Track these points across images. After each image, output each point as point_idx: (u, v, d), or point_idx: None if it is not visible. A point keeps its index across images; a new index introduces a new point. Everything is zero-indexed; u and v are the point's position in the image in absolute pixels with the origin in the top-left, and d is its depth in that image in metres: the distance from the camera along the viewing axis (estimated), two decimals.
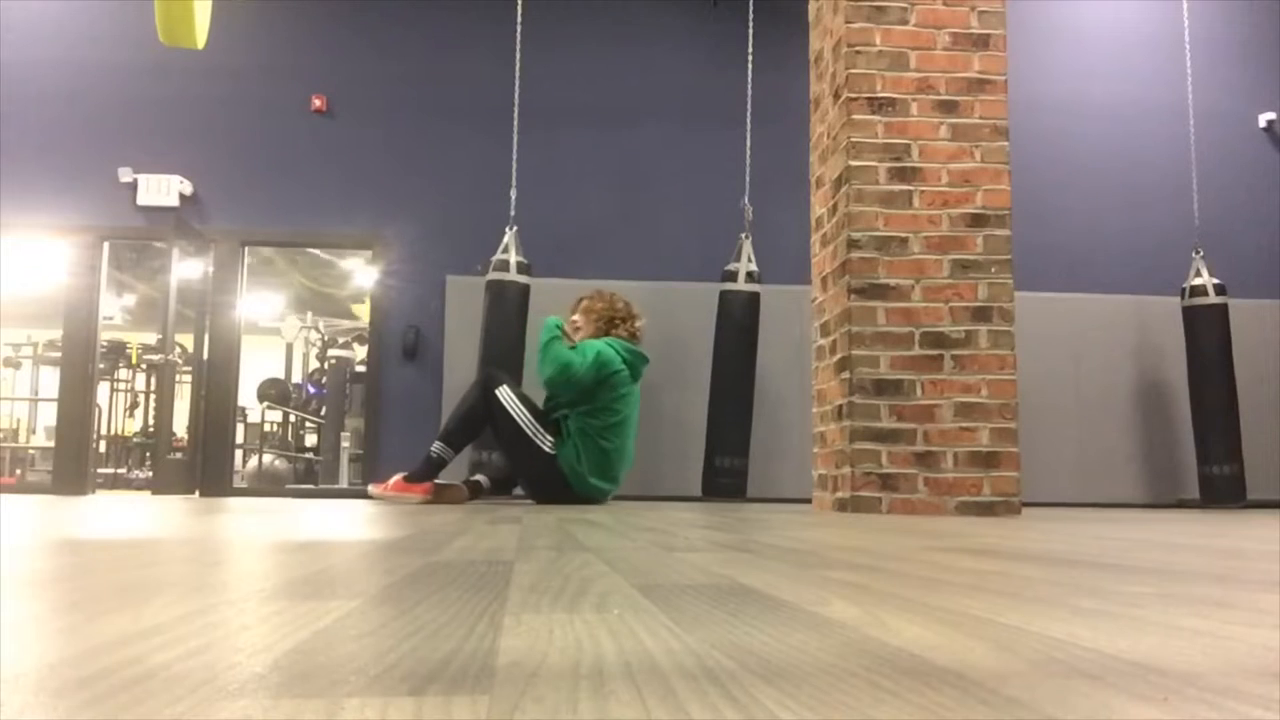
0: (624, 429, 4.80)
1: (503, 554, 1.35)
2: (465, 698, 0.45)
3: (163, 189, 7.08)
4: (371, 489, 4.79)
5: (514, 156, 6.13)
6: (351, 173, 7.23)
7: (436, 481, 4.73)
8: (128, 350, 11.11)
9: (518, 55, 6.19)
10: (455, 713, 0.43)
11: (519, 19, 6.19)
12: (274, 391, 10.55)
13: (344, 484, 8.39)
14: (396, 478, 4.74)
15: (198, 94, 7.16)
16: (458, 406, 4.89)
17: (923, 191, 3.83)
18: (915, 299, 3.77)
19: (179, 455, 7.59)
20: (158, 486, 7.21)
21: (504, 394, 4.75)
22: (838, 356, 3.88)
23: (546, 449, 4.69)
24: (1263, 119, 7.75)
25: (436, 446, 4.77)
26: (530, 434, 4.70)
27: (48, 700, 0.45)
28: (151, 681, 0.48)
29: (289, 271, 11.65)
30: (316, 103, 7.25)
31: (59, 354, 7.93)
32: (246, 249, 7.38)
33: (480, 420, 4.78)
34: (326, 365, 10.27)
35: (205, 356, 7.22)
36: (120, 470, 10.17)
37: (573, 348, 4.77)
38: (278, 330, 12.01)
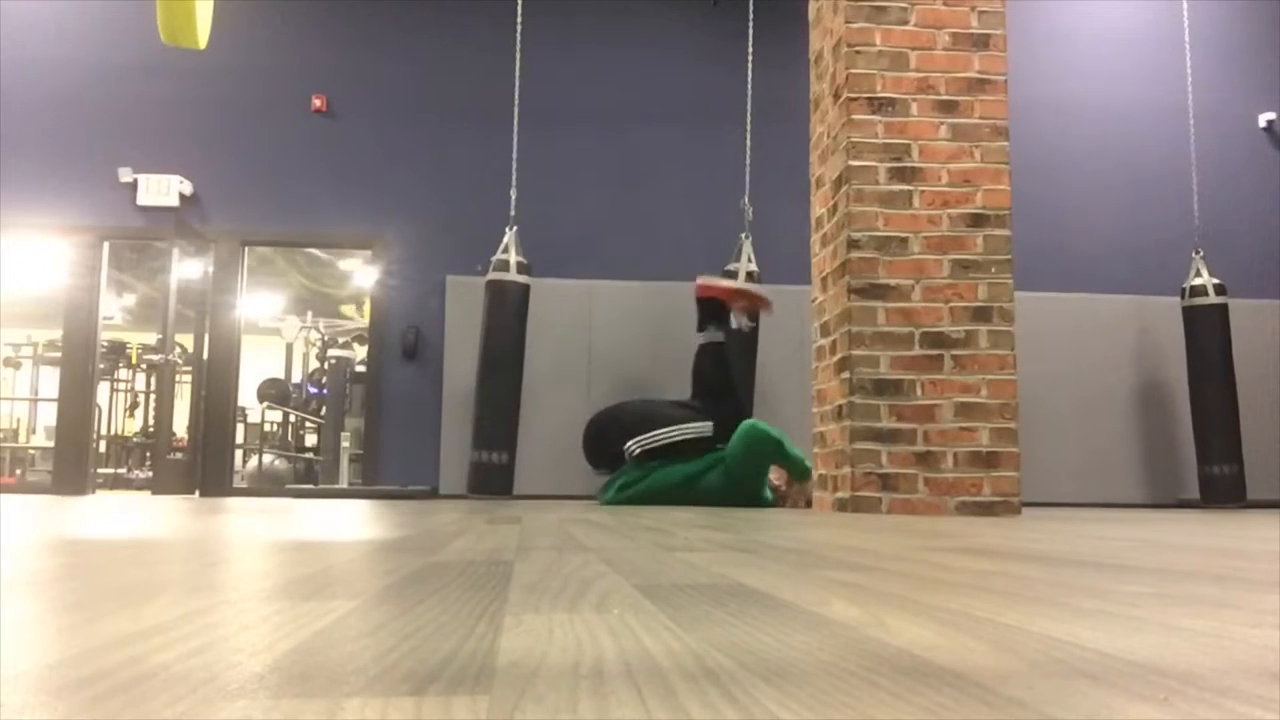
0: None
1: (503, 554, 1.35)
2: (465, 698, 0.45)
3: (163, 189, 7.08)
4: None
5: (514, 156, 6.13)
6: (351, 173, 7.23)
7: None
8: (128, 350, 11.10)
9: (518, 55, 6.19)
10: (455, 713, 0.43)
11: (519, 19, 6.19)
12: (274, 391, 10.55)
13: (344, 484, 8.39)
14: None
15: (198, 94, 7.16)
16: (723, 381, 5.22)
17: (923, 191, 3.83)
18: (915, 299, 3.77)
19: (179, 455, 7.60)
20: (158, 486, 7.21)
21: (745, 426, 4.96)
22: (838, 356, 3.88)
23: (699, 432, 4.97)
24: (1263, 119, 7.75)
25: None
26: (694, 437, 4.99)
27: (48, 700, 0.45)
28: (151, 681, 0.48)
29: (289, 271, 11.65)
30: (316, 103, 7.25)
31: (59, 354, 7.93)
32: (246, 249, 7.39)
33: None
34: (326, 365, 10.26)
35: (205, 356, 7.22)
36: (120, 470, 10.17)
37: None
38: (278, 330, 12.01)
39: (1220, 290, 6.47)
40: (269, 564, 1.24)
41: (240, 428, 8.99)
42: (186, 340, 8.53)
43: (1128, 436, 7.12)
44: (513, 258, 5.94)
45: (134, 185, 7.08)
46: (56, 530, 1.99)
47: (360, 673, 0.51)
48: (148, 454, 9.59)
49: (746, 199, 6.27)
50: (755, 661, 0.55)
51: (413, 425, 6.95)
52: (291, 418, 10.96)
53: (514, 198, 6.03)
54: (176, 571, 1.14)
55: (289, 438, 11.04)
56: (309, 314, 11.99)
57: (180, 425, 8.27)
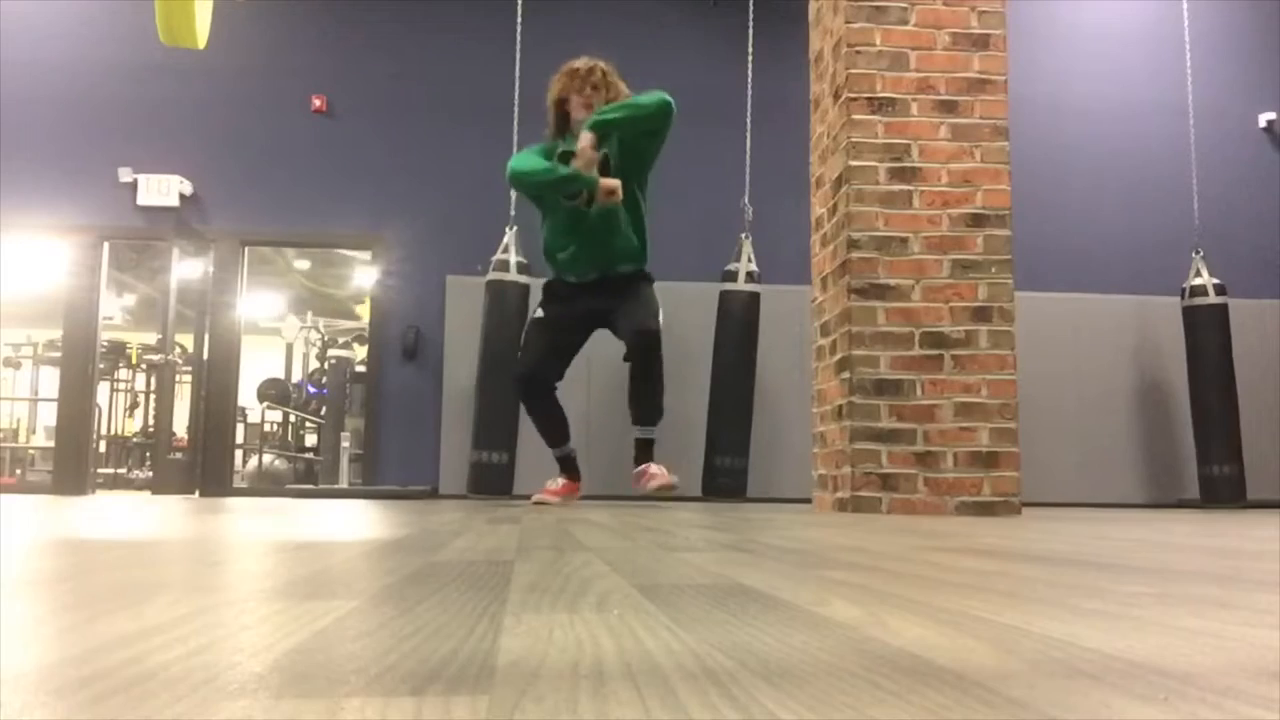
0: None
1: (503, 554, 1.35)
2: (465, 698, 0.45)
3: (163, 189, 7.08)
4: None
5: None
6: (351, 173, 7.23)
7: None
8: (128, 350, 11.10)
9: (518, 54, 6.19)
10: (455, 713, 0.43)
11: (519, 18, 6.19)
12: (274, 391, 10.55)
13: (344, 484, 8.39)
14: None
15: (198, 94, 7.16)
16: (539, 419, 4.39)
17: (923, 191, 3.83)
18: (915, 299, 3.77)
19: (179, 455, 7.60)
20: (158, 486, 7.22)
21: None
22: (838, 356, 3.88)
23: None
24: (1263, 119, 7.75)
25: (560, 451, 4.43)
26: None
27: (48, 700, 0.45)
28: (152, 681, 0.48)
29: (289, 271, 11.66)
30: (316, 103, 7.26)
31: (59, 354, 7.93)
32: (246, 249, 7.39)
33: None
34: (326, 365, 10.27)
35: (205, 356, 7.23)
36: (120, 470, 10.16)
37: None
38: (278, 330, 12.01)
39: (1220, 290, 6.47)
40: (269, 564, 1.24)
41: (240, 428, 8.99)
42: (186, 340, 8.53)
43: (1128, 436, 7.12)
44: (513, 258, 5.94)
45: (134, 185, 7.08)
46: (57, 530, 1.99)
47: (360, 673, 0.51)
48: (148, 454, 9.59)
49: (746, 199, 6.27)
50: (755, 661, 0.55)
51: (413, 425, 6.95)
52: (291, 418, 10.97)
53: (514, 198, 6.03)
54: (176, 571, 1.14)
55: (289, 438, 11.05)
56: (309, 314, 11.99)
57: (180, 425, 8.27)
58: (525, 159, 4.26)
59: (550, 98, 4.38)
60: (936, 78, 3.90)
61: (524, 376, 4.34)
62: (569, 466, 4.48)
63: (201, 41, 4.68)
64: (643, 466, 4.25)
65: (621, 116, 4.14)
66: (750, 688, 0.48)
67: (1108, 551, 1.58)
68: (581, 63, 4.33)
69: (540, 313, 4.42)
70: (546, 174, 4.15)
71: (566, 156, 4.14)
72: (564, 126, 4.31)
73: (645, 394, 4.31)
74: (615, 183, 4.12)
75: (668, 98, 4.21)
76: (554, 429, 4.43)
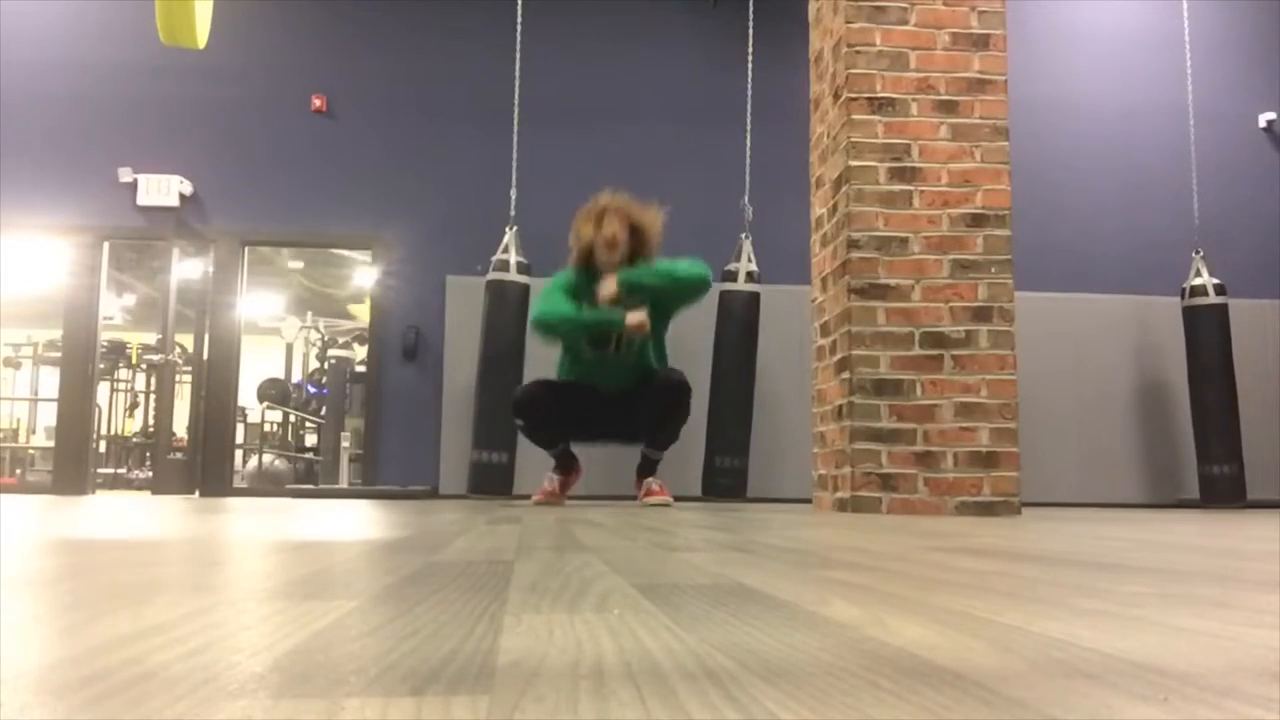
0: None
1: (503, 554, 1.35)
2: (465, 698, 0.45)
3: (163, 189, 7.08)
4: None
5: (514, 155, 6.12)
6: (351, 173, 7.23)
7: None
8: (128, 350, 11.10)
9: (518, 54, 6.19)
10: (455, 713, 0.43)
11: (519, 18, 6.19)
12: (274, 391, 10.55)
13: (344, 484, 8.39)
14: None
15: (198, 94, 7.16)
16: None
17: (923, 191, 3.83)
18: (915, 299, 3.77)
19: (179, 455, 7.59)
20: (158, 486, 7.22)
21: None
22: (838, 356, 3.88)
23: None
24: (1263, 119, 7.74)
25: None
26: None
27: (48, 700, 0.45)
28: (152, 681, 0.48)
29: (289, 271, 11.66)
30: (316, 103, 7.25)
31: (59, 354, 7.93)
32: (246, 249, 7.39)
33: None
34: (326, 365, 10.27)
35: (205, 356, 7.23)
36: (120, 470, 10.16)
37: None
38: (278, 330, 12.01)
39: (1220, 290, 6.47)
40: (269, 564, 1.24)
41: (240, 428, 8.99)
42: (186, 340, 8.53)
43: (1128, 436, 7.12)
44: (513, 258, 5.94)
45: (134, 185, 7.08)
46: (56, 530, 1.99)
47: (360, 673, 0.51)
48: (148, 454, 9.59)
49: (746, 199, 6.27)
50: (755, 661, 0.55)
51: (412, 425, 6.95)
52: (291, 418, 10.97)
53: (514, 198, 6.03)
54: (176, 571, 1.14)
55: (289, 438, 11.05)
56: (309, 314, 12.00)
57: (180, 425, 8.27)
58: (551, 304, 4.26)
59: (574, 233, 4.38)
60: (936, 78, 3.90)
61: (524, 400, 4.40)
62: (565, 458, 4.52)
63: (201, 41, 4.68)
64: (647, 483, 4.41)
65: (654, 285, 4.23)
66: (750, 688, 0.48)
67: (1108, 551, 1.58)
68: (606, 226, 4.32)
69: (554, 378, 4.48)
70: (575, 321, 4.20)
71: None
72: (588, 262, 4.32)
73: (666, 429, 4.42)
74: (642, 315, 4.16)
75: (706, 274, 4.31)
76: (548, 437, 4.49)
